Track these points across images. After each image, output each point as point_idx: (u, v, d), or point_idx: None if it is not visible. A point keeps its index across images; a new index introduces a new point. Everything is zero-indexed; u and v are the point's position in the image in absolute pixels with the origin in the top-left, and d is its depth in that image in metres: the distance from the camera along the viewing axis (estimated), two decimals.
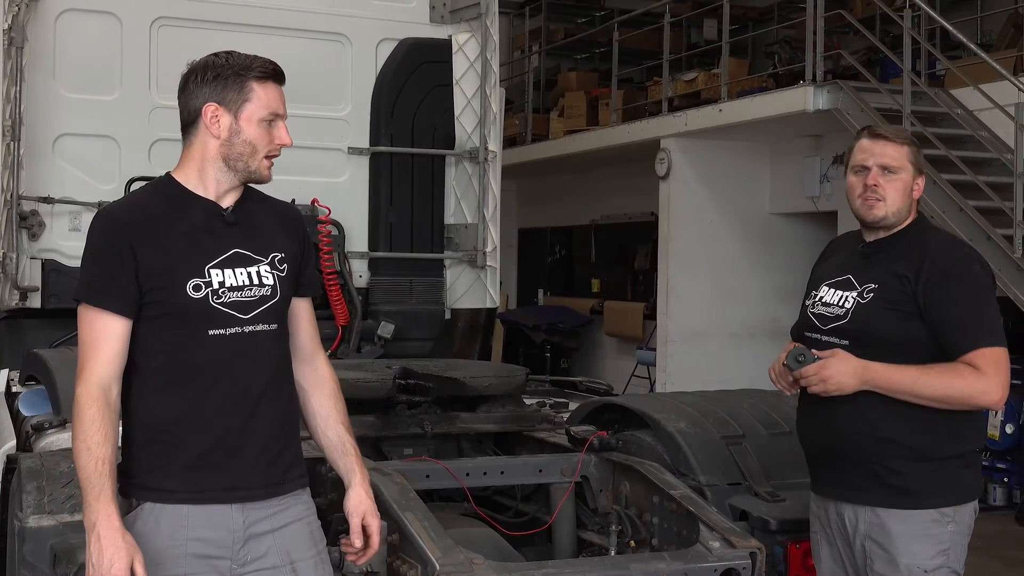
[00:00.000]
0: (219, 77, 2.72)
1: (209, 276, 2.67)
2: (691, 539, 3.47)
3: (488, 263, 6.18)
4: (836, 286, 3.39)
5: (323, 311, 5.82)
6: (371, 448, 4.33)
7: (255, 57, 2.77)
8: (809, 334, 3.40)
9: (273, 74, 2.76)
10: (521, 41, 16.92)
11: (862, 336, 3.25)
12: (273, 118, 2.75)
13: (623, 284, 14.80)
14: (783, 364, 3.29)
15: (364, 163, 6.01)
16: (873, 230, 3.38)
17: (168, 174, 2.81)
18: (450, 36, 6.14)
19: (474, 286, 6.26)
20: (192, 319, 2.66)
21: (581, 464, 3.97)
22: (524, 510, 4.27)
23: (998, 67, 8.36)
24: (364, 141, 6.00)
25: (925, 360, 3.19)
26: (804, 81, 9.69)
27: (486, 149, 6.11)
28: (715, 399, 4.30)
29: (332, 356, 5.67)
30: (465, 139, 6.16)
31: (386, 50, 6.04)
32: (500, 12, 6.45)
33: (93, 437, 2.55)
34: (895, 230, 3.36)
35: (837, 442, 3.28)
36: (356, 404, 4.34)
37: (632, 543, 3.79)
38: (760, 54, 15.06)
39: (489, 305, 6.36)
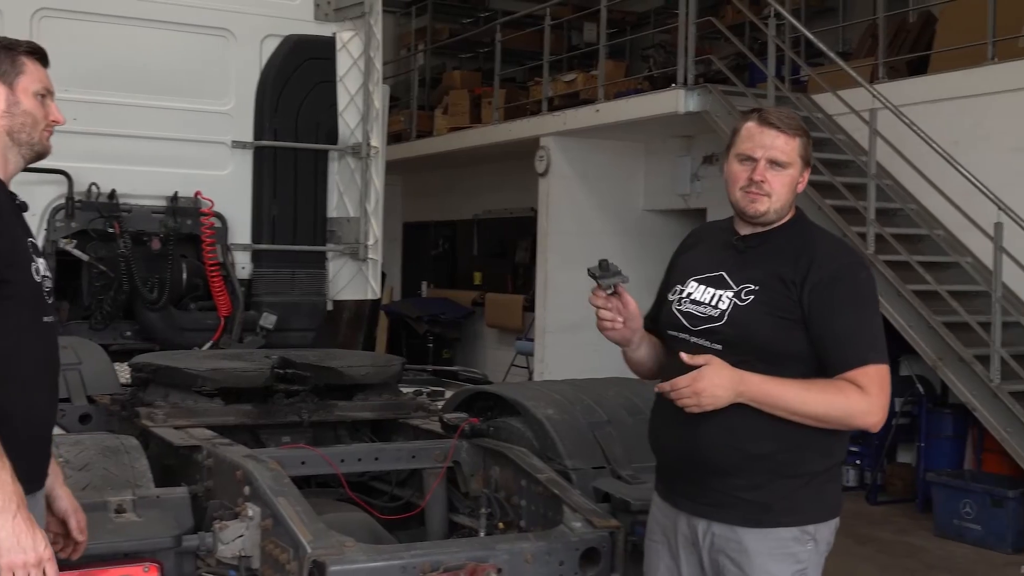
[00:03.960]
0: None
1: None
2: (556, 520, 3.53)
3: (370, 256, 6.16)
4: (707, 283, 3.00)
5: (206, 302, 5.78)
6: (249, 436, 4.31)
7: (20, 39, 2.74)
8: (675, 334, 3.02)
9: (40, 52, 2.72)
10: (407, 40, 16.90)
11: (738, 341, 2.88)
12: (46, 93, 2.70)
13: (504, 277, 14.90)
14: (588, 274, 2.97)
15: (248, 157, 5.95)
16: (751, 223, 3.01)
17: None
18: (334, 34, 6.10)
19: (356, 278, 6.25)
20: None
21: (453, 450, 4.01)
22: (398, 495, 4.30)
23: (855, 75, 8.63)
24: (248, 135, 5.94)
25: (802, 372, 2.87)
26: (676, 84, 9.87)
27: (368, 145, 6.09)
28: (583, 387, 4.36)
29: (214, 346, 5.64)
30: (348, 135, 6.13)
31: (271, 46, 5.98)
32: (387, 11, 6.44)
33: None
34: (774, 225, 2.99)
35: (702, 456, 2.92)
36: (234, 393, 4.37)
37: (501, 525, 3.85)
38: (637, 57, 15.29)
39: (371, 297, 6.36)
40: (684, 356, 2.87)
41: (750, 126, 2.98)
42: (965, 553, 7.68)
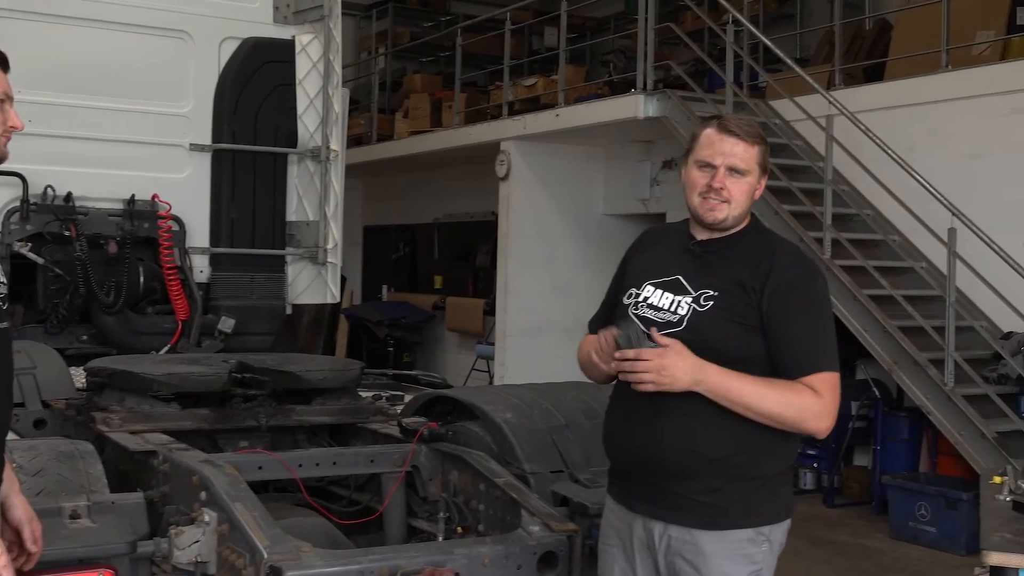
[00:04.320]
0: None
1: None
2: (515, 524, 3.53)
3: (329, 260, 6.14)
4: (665, 288, 3.00)
5: (163, 306, 5.73)
6: (207, 441, 4.28)
7: None
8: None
9: (2, 58, 2.68)
10: (368, 43, 16.85)
11: (698, 347, 2.87)
12: (5, 98, 2.66)
13: (464, 281, 14.90)
14: (614, 338, 2.89)
15: (206, 160, 5.91)
16: (708, 229, 3.02)
17: None
18: (293, 37, 6.08)
19: (315, 282, 6.22)
20: None
21: (412, 454, 4.00)
22: (357, 499, 4.28)
23: (812, 81, 8.71)
24: (206, 138, 5.90)
25: (759, 376, 2.89)
26: (636, 90, 9.92)
27: (328, 148, 6.07)
28: (541, 391, 4.37)
29: (172, 350, 5.59)
30: (308, 138, 6.11)
31: (229, 48, 5.94)
32: (348, 14, 6.43)
33: None
34: (731, 231, 3.01)
35: (658, 459, 2.93)
36: (191, 398, 4.33)
37: (459, 529, 3.84)
38: (597, 62, 15.35)
39: (330, 301, 6.34)
40: (654, 332, 2.88)
41: (710, 133, 2.99)
42: (920, 555, 7.76)
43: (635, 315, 3.00)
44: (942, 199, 7.68)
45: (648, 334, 2.86)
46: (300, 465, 3.89)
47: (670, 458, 2.91)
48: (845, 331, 8.33)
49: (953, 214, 7.58)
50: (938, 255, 8.07)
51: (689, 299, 2.95)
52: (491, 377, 12.69)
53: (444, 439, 4.06)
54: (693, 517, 2.92)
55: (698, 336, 2.90)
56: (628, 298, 3.06)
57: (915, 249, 8.59)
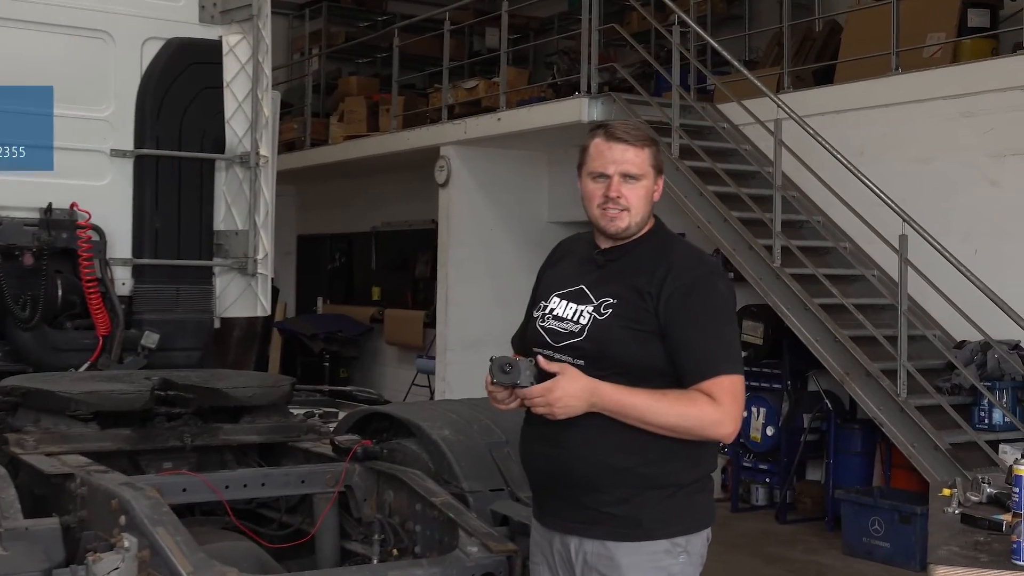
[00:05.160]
0: None
1: None
2: (452, 545, 3.54)
3: (259, 270, 6.10)
4: (569, 298, 3.11)
5: (83, 320, 5.66)
6: (128, 463, 4.24)
7: None
8: (539, 351, 3.07)
9: None
10: (301, 44, 16.79)
11: (598, 356, 2.99)
12: None
13: (404, 292, 14.88)
14: (491, 381, 2.99)
15: (128, 166, 5.85)
16: (611, 238, 3.14)
17: None
18: (220, 37, 6.04)
19: (245, 294, 6.18)
20: None
21: (345, 474, 4.00)
22: (288, 522, 4.26)
23: (759, 84, 8.81)
24: (128, 143, 5.84)
25: (664, 386, 2.98)
26: (580, 93, 9.97)
27: (257, 154, 6.04)
28: (481, 406, 4.36)
29: (92, 367, 5.52)
30: (236, 143, 6.07)
31: (152, 49, 5.89)
32: (279, 14, 6.41)
33: None
34: (633, 238, 3.12)
35: (568, 471, 3.01)
36: (112, 417, 4.29)
37: (395, 551, 3.85)
38: (540, 64, 15.41)
39: (261, 313, 6.30)
40: (540, 360, 2.96)
41: (598, 143, 3.09)
42: (874, 572, 7.86)
43: (541, 328, 3.12)
44: (893, 205, 7.79)
45: (511, 364, 2.94)
46: (227, 487, 3.87)
47: (578, 471, 3.00)
48: (796, 342, 8.44)
49: (904, 220, 7.69)
50: (889, 262, 8.18)
51: (591, 308, 3.05)
52: (432, 392, 12.66)
53: (379, 457, 4.06)
54: (605, 530, 2.99)
55: (597, 345, 3.00)
56: (537, 311, 3.19)
57: (866, 256, 8.70)
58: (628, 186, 3.06)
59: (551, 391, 2.91)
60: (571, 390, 2.91)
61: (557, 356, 3.03)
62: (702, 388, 2.95)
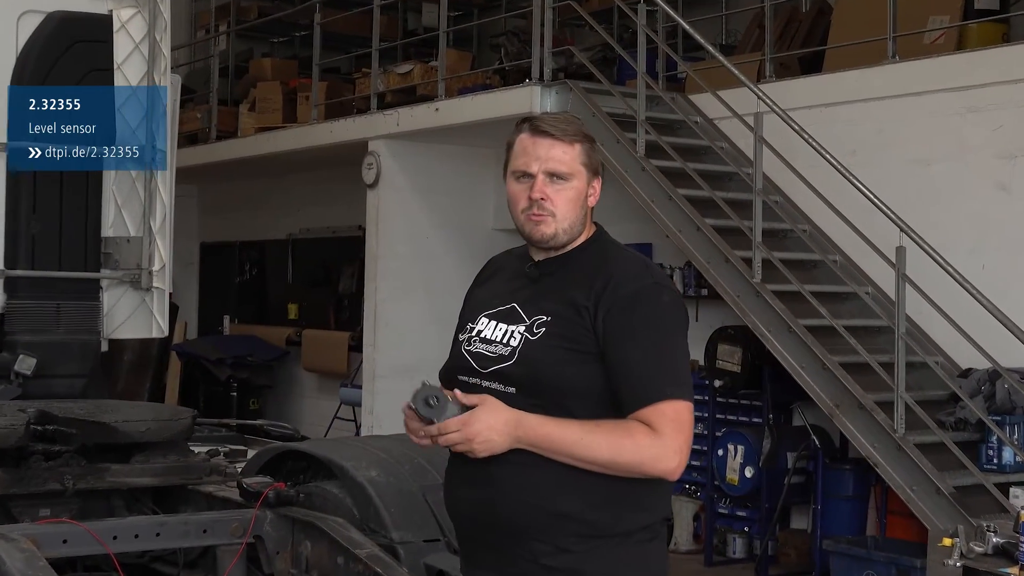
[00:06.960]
0: None
1: None
2: None
3: (155, 284, 6.10)
4: (499, 318, 3.11)
5: None
6: None
7: None
8: (465, 378, 3.06)
9: None
10: (206, 19, 16.73)
11: (530, 382, 2.97)
12: None
13: (325, 310, 14.86)
14: (409, 407, 2.93)
15: (0, 162, 5.83)
16: (543, 249, 3.14)
17: None
18: (111, 11, 6.05)
19: (138, 312, 6.17)
20: None
21: (254, 522, 4.00)
22: None
23: (737, 73, 8.88)
24: (0, 135, 5.83)
25: (609, 414, 2.96)
26: (531, 80, 10.02)
27: (153, 148, 6.04)
28: (413, 443, 4.37)
29: None
30: (128, 135, 6.07)
31: (30, 24, 5.89)
32: None
33: None
34: (569, 248, 3.13)
35: (498, 517, 2.99)
36: None
37: None
38: (485, 47, 15.46)
39: (156, 334, 6.30)
40: (457, 393, 2.93)
41: (523, 138, 3.11)
42: None
43: (467, 352, 3.10)
44: (889, 212, 7.87)
45: (437, 397, 2.88)
46: (115, 537, 3.87)
47: (510, 515, 2.97)
48: (779, 369, 8.52)
49: (902, 230, 7.77)
50: (885, 278, 8.26)
51: (523, 328, 3.05)
52: (358, 427, 12.65)
53: (294, 503, 4.07)
54: None
55: (529, 369, 2.99)
56: (463, 334, 3.17)
57: (859, 271, 8.79)
58: (554, 187, 3.06)
59: (469, 424, 2.87)
60: (491, 422, 2.87)
61: (485, 384, 3.02)
62: (641, 416, 2.92)
